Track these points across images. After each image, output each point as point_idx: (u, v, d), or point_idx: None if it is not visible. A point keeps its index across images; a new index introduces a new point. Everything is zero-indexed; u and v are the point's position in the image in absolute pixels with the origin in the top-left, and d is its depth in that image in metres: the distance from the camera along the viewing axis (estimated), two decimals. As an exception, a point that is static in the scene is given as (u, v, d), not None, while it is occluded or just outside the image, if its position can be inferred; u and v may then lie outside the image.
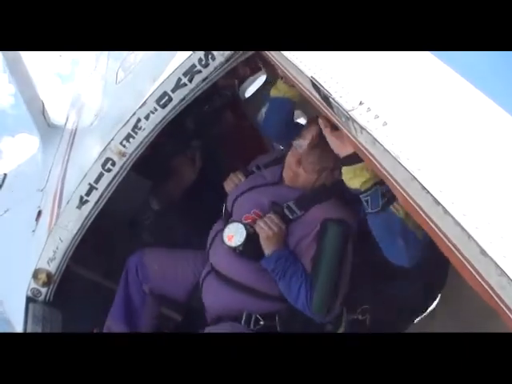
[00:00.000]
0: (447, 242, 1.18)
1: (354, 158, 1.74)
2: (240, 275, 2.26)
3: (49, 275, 2.59)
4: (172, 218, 3.50)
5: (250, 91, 4.44)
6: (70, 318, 2.70)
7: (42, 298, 2.69)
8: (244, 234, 2.16)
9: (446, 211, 1.15)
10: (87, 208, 2.37)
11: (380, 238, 1.85)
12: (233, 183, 2.50)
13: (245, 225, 2.18)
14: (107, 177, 2.29)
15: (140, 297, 2.55)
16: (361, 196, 1.79)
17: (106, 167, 2.27)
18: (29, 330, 2.59)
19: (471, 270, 1.15)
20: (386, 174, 1.35)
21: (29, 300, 2.70)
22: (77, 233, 2.43)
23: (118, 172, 2.27)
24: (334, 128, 1.81)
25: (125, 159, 2.23)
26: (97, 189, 2.32)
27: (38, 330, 2.58)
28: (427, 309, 2.72)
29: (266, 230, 2.13)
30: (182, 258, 2.61)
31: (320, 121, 1.92)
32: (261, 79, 4.30)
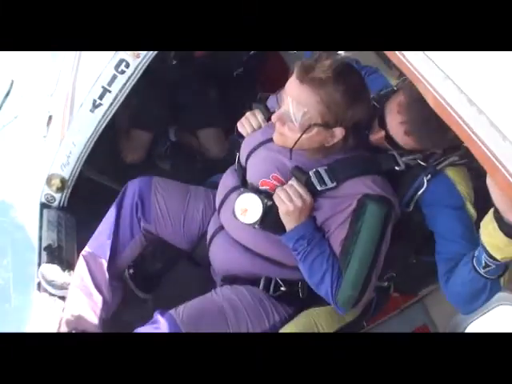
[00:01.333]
0: (481, 144, 1.14)
1: None
2: (257, 246, 1.97)
3: (62, 180, 2.58)
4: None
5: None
6: (85, 223, 2.71)
7: (55, 203, 2.69)
8: (260, 209, 1.81)
9: (480, 111, 1.11)
10: (100, 111, 2.30)
11: (463, 293, 1.68)
12: (249, 126, 2.08)
13: (261, 196, 1.81)
14: (121, 79, 2.20)
15: (130, 231, 2.26)
16: (487, 258, 1.51)
17: (120, 69, 2.18)
18: (44, 236, 2.60)
19: (505, 172, 1.12)
20: (415, 72, 1.28)
21: (43, 206, 2.71)
22: (90, 137, 2.38)
23: (133, 74, 2.18)
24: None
25: (139, 60, 2.14)
26: (110, 91, 2.24)
27: (53, 236, 2.59)
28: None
29: (287, 203, 1.75)
30: (194, 200, 2.27)
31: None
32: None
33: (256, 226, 1.84)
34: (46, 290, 2.33)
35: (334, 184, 1.78)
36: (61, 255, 2.51)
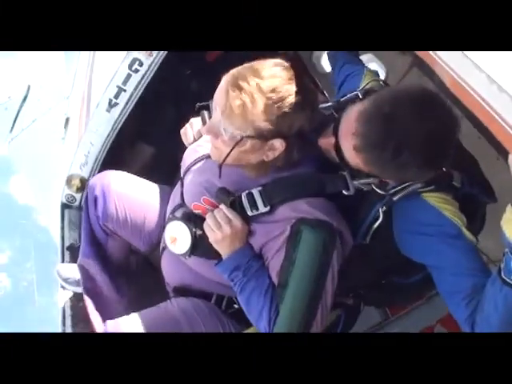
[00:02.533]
0: (504, 123, 1.12)
1: None
2: (201, 268, 1.81)
3: (82, 180, 2.60)
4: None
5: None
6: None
7: (76, 203, 2.71)
8: (189, 239, 1.64)
9: (501, 89, 1.09)
10: (117, 110, 2.32)
11: (500, 320, 1.36)
12: (190, 136, 1.93)
13: (189, 225, 1.65)
14: (135, 78, 2.22)
15: (102, 229, 2.17)
16: None
17: (134, 68, 2.19)
18: (66, 236, 2.64)
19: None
20: (432, 54, 1.27)
21: (64, 206, 2.74)
22: (108, 136, 2.40)
23: (146, 72, 2.19)
24: None
25: (152, 58, 2.15)
26: (125, 90, 2.26)
27: (75, 235, 2.62)
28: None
29: (215, 230, 1.57)
30: (158, 201, 2.11)
31: None
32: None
33: (187, 257, 1.69)
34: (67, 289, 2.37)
35: (268, 208, 1.57)
36: (83, 254, 2.53)
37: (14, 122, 4.22)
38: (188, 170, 1.84)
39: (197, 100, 3.03)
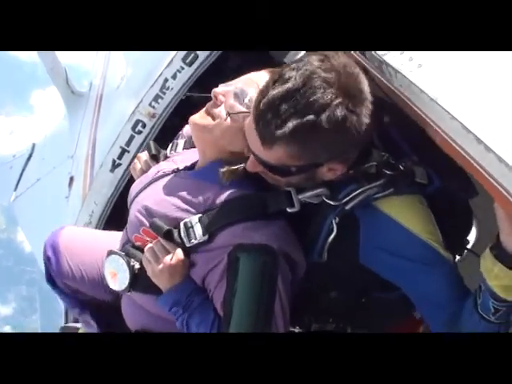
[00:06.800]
0: (491, 180, 1.17)
1: None
2: (159, 310, 1.62)
3: (86, 240, 2.63)
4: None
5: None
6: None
7: (80, 262, 2.73)
8: (127, 274, 1.55)
9: (488, 148, 1.14)
10: (120, 171, 2.39)
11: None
12: (138, 167, 1.88)
13: (127, 259, 1.56)
14: (138, 139, 2.29)
15: (65, 287, 1.99)
16: (495, 303, 1.28)
17: (137, 129, 2.27)
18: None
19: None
20: (422, 115, 1.33)
21: (68, 266, 2.75)
22: (111, 196, 2.45)
23: (149, 133, 2.27)
24: None
25: (155, 120, 2.23)
26: (129, 151, 2.33)
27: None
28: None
29: (153, 263, 1.50)
30: (109, 247, 1.80)
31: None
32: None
33: (128, 293, 1.60)
34: None
35: (206, 237, 1.46)
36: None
37: (19, 180, 4.27)
38: (131, 204, 1.70)
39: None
